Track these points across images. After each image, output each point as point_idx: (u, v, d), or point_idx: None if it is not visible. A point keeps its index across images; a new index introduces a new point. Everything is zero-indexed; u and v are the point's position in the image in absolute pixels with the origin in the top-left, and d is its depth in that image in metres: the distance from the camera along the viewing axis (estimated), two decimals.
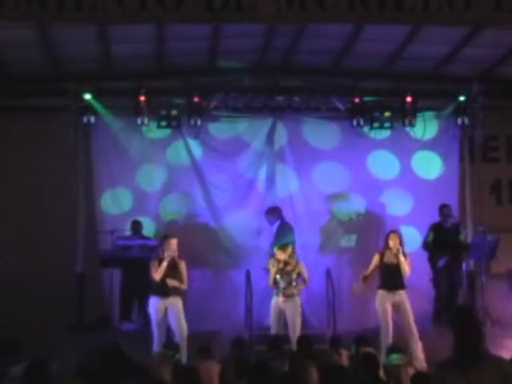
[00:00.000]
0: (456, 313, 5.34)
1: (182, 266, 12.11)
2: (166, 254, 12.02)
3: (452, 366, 5.18)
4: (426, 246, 14.03)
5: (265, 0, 10.76)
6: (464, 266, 14.32)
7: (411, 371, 9.48)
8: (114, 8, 10.66)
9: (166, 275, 11.97)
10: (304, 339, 10.62)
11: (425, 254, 13.97)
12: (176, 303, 11.97)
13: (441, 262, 13.79)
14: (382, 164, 15.19)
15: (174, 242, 12.13)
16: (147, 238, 14.06)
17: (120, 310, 13.74)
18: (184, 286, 12.12)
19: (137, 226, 14.13)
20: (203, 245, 14.50)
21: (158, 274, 11.97)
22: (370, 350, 10.16)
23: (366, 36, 13.27)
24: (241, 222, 14.80)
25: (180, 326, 11.88)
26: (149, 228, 14.42)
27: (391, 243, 12.33)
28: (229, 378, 9.24)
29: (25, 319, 13.00)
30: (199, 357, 10.19)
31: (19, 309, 13.38)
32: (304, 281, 12.44)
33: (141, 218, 14.34)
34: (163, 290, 11.97)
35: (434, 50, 13.99)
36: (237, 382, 8.91)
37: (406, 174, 15.18)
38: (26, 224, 14.20)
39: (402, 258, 12.20)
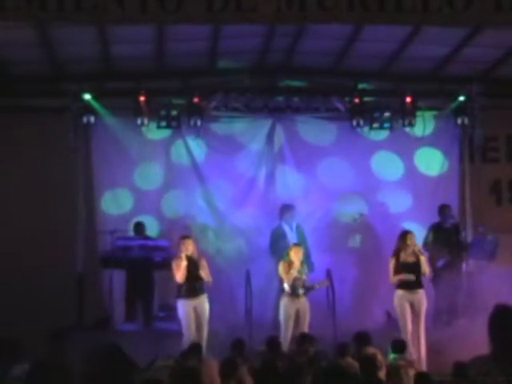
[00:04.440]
0: (495, 312, 5.36)
1: (203, 263, 12.12)
2: (183, 255, 12.02)
3: (491, 362, 5.22)
4: (425, 246, 14.03)
5: (265, 0, 10.76)
6: (464, 266, 14.32)
7: (412, 372, 9.50)
8: (114, 9, 10.66)
9: (190, 276, 11.96)
10: (304, 337, 10.66)
11: (425, 255, 13.96)
12: (204, 303, 12.01)
13: (440, 262, 13.80)
14: (384, 164, 15.21)
15: (189, 242, 12.14)
16: (148, 239, 14.06)
17: (125, 311, 13.75)
18: (209, 281, 12.10)
19: (140, 228, 14.12)
20: (203, 245, 14.47)
21: (180, 277, 11.95)
22: (371, 350, 10.17)
23: (366, 36, 13.26)
24: (241, 222, 14.80)
25: (204, 325, 11.90)
26: (150, 228, 14.43)
27: (410, 242, 12.27)
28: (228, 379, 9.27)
29: (25, 319, 12.99)
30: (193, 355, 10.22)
31: (19, 309, 13.36)
32: (312, 286, 12.47)
33: (142, 218, 14.35)
34: (191, 292, 11.97)
35: (434, 50, 13.98)
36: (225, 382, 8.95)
37: (409, 172, 15.20)
38: (25, 224, 14.18)
39: (422, 258, 12.17)
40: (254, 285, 13.18)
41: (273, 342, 10.74)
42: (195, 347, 10.60)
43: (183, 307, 12.01)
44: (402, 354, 10.16)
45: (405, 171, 15.23)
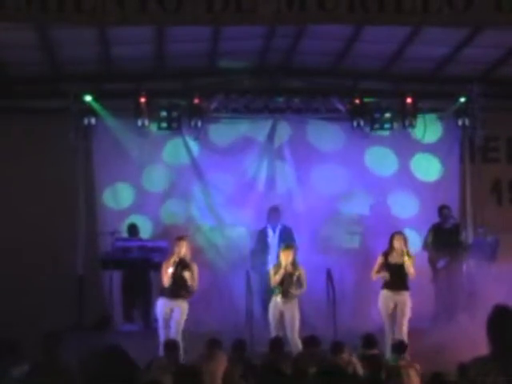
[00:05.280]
0: (494, 312, 5.37)
1: (194, 268, 12.07)
2: (175, 256, 12.00)
3: (491, 362, 5.24)
4: (425, 247, 14.03)
5: (265, 1, 10.76)
6: (464, 266, 14.31)
7: (412, 372, 9.50)
8: (113, 10, 10.66)
9: (176, 278, 11.95)
10: (310, 339, 10.68)
11: (425, 255, 13.97)
12: (181, 305, 11.97)
13: (441, 263, 13.80)
14: (384, 165, 15.21)
15: (183, 244, 12.09)
16: (147, 240, 14.09)
17: (122, 312, 13.76)
18: (194, 286, 12.08)
19: (133, 230, 14.14)
20: (203, 245, 14.50)
21: (165, 280, 11.96)
22: (375, 351, 10.20)
23: (366, 37, 13.27)
24: (241, 223, 14.82)
25: (178, 326, 11.89)
26: (147, 229, 14.46)
27: (396, 244, 12.28)
28: (231, 379, 9.27)
29: (25, 320, 12.98)
30: (208, 350, 10.24)
31: (20, 309, 13.37)
32: (302, 285, 12.36)
33: (140, 218, 14.37)
34: (171, 292, 11.96)
35: (434, 51, 13.98)
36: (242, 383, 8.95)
37: (408, 175, 15.21)
38: (25, 225, 14.18)
39: (406, 260, 12.17)
40: (254, 285, 13.18)
41: (276, 343, 10.73)
42: (212, 342, 10.60)
43: (160, 306, 12.04)
44: (402, 354, 10.16)
45: (404, 173, 15.22)
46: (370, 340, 10.56)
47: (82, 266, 14.22)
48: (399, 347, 10.42)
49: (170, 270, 11.91)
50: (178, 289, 11.95)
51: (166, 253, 13.27)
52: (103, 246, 14.15)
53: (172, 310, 11.97)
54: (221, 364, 9.99)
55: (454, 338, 11.06)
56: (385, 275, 12.19)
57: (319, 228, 14.80)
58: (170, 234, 13.94)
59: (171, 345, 10.51)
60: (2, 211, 14.39)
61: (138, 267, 13.69)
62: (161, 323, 11.98)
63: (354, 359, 10.01)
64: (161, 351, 11.43)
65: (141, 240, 14.05)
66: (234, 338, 10.89)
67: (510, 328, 5.29)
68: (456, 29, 12.60)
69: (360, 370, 9.84)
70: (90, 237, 14.46)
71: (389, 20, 11.26)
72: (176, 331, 11.86)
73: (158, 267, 13.32)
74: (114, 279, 13.77)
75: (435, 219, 14.26)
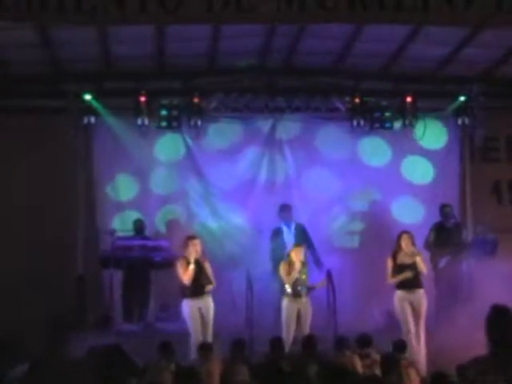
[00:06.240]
0: (492, 312, 5.39)
1: (207, 265, 12.06)
2: (190, 256, 11.92)
3: (490, 362, 5.25)
4: (427, 246, 14.02)
5: (264, 0, 10.76)
6: (465, 265, 14.31)
7: (412, 371, 9.51)
8: (113, 9, 10.65)
9: (195, 276, 11.92)
10: (309, 339, 10.69)
11: (426, 254, 13.95)
12: (208, 304, 11.96)
13: (442, 262, 13.79)
14: (384, 165, 15.20)
15: (197, 243, 12.06)
16: (148, 239, 14.08)
17: (122, 311, 13.76)
18: (212, 285, 12.10)
19: (139, 226, 14.14)
20: (204, 243, 14.49)
21: (187, 279, 11.85)
22: (371, 351, 10.21)
23: (366, 36, 13.26)
24: (241, 222, 14.84)
25: (208, 326, 11.87)
26: (147, 226, 14.45)
27: (404, 244, 12.25)
28: (230, 378, 9.28)
29: (25, 319, 12.98)
30: (201, 354, 10.25)
31: (19, 309, 13.36)
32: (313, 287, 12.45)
33: (140, 216, 14.40)
34: (196, 292, 11.92)
35: (435, 51, 13.98)
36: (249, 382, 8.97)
37: (406, 175, 15.22)
38: (25, 224, 14.18)
39: (417, 258, 12.14)
40: (254, 285, 13.17)
41: (276, 343, 10.74)
42: (204, 345, 10.61)
43: (187, 307, 11.93)
44: (403, 354, 10.16)
45: (401, 174, 15.23)
46: (365, 339, 10.57)
47: (82, 265, 14.22)
48: (400, 347, 10.42)
49: (192, 266, 11.82)
50: (201, 286, 11.92)
51: (167, 252, 13.28)
52: (103, 245, 14.15)
53: (200, 310, 11.91)
54: (217, 364, 9.98)
55: (455, 337, 11.06)
56: (404, 275, 12.07)
57: (319, 228, 14.80)
58: (171, 233, 13.97)
59: (168, 346, 10.50)
60: (1, 210, 14.38)
61: (139, 266, 13.68)
62: (191, 325, 11.82)
63: (355, 357, 10.02)
64: (193, 354, 11.24)
65: (142, 239, 14.03)
66: (234, 337, 10.89)
67: (508, 327, 5.30)
68: (456, 28, 12.59)
69: (360, 369, 9.86)
70: (90, 236, 14.47)
71: (389, 19, 11.26)
72: (209, 331, 11.84)
73: (158, 266, 13.34)
74: (115, 278, 13.77)
75: (434, 220, 14.25)
